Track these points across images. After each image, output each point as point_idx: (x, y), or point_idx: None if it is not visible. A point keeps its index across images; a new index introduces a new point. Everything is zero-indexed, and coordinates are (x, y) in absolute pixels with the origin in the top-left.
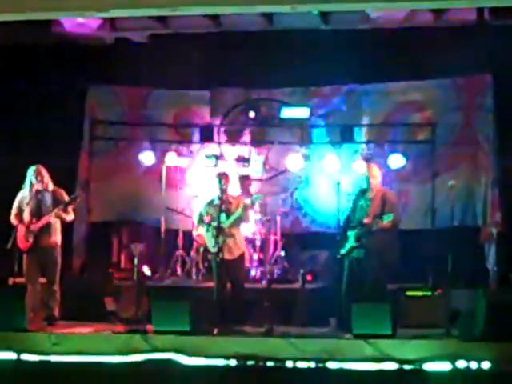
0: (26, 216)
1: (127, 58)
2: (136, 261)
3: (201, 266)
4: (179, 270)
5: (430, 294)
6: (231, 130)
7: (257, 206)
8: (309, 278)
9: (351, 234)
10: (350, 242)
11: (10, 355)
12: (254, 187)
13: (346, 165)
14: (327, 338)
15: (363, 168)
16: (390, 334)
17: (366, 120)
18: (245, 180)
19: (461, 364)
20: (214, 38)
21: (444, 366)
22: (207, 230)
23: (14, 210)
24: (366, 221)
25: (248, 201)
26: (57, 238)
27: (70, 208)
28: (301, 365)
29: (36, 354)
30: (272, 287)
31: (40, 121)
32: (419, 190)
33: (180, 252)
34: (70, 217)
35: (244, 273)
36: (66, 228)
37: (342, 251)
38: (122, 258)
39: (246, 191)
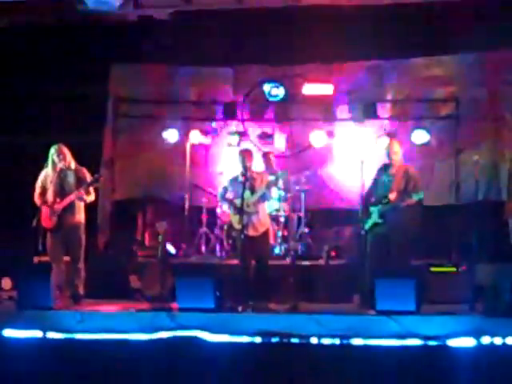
0: (50, 195)
1: (151, 36)
2: (160, 238)
3: (225, 243)
4: (203, 247)
5: (454, 269)
6: (254, 106)
7: (280, 183)
8: (333, 254)
9: (374, 209)
10: (374, 218)
11: (36, 333)
12: (278, 164)
13: (370, 141)
14: (351, 315)
15: (385, 144)
16: (414, 310)
17: (389, 96)
18: (268, 156)
19: (485, 340)
20: (237, 15)
21: (468, 342)
22: (231, 207)
23: (37, 190)
24: (391, 196)
25: (272, 177)
26: (80, 216)
27: (90, 188)
28: (325, 341)
29: (62, 332)
30: (296, 264)
31: (64, 99)
32: (443, 165)
33: (204, 229)
34: (90, 198)
35: (268, 249)
36: (91, 206)
37: (366, 227)
38: (147, 235)
39: (269, 167)
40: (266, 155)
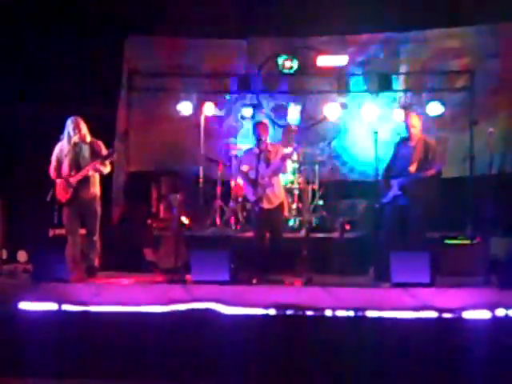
0: (65, 168)
1: (165, 8)
2: (175, 211)
3: (240, 216)
4: (218, 219)
5: (468, 241)
6: (268, 79)
7: (295, 156)
8: (347, 226)
9: (394, 182)
10: (394, 191)
11: (52, 306)
12: (292, 137)
13: (384, 113)
14: (366, 287)
15: (402, 117)
16: (429, 283)
17: (403, 68)
18: (289, 129)
19: (500, 312)
20: None
21: (483, 315)
22: (246, 180)
23: (53, 163)
24: (411, 169)
25: (287, 150)
26: (96, 189)
27: (107, 161)
28: (340, 314)
29: (77, 305)
30: (310, 236)
31: (79, 72)
32: (458, 137)
33: (219, 202)
34: (106, 170)
35: (283, 222)
36: (105, 178)
37: (385, 200)
38: (161, 208)
39: (289, 140)
40: (286, 128)
